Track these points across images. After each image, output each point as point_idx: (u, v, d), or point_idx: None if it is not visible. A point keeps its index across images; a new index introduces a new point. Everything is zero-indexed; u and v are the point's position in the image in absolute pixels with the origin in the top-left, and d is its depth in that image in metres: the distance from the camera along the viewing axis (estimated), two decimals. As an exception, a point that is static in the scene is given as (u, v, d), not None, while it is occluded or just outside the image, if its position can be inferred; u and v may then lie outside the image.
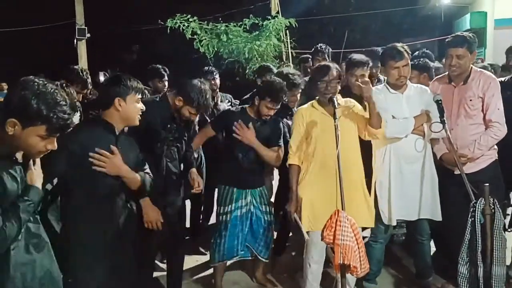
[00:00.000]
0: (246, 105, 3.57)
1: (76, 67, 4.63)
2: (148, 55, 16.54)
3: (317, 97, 3.26)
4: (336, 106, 2.93)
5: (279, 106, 3.39)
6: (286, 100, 3.64)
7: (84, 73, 4.41)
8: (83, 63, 12.98)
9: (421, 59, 4.06)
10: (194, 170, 3.30)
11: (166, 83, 4.71)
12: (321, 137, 3.13)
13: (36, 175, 1.87)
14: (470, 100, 3.21)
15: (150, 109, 2.70)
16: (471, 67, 3.29)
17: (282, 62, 8.35)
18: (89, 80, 4.36)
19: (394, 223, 3.28)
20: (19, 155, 1.82)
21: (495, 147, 3.29)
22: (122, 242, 2.49)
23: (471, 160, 3.20)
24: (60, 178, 2.30)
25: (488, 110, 3.19)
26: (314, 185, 3.17)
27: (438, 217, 3.29)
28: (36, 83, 1.72)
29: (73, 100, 1.88)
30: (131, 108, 2.47)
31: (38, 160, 1.91)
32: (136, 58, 19.37)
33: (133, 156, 2.57)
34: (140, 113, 2.52)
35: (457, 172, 3.05)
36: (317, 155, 3.16)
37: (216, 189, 3.62)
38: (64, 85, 3.83)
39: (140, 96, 2.51)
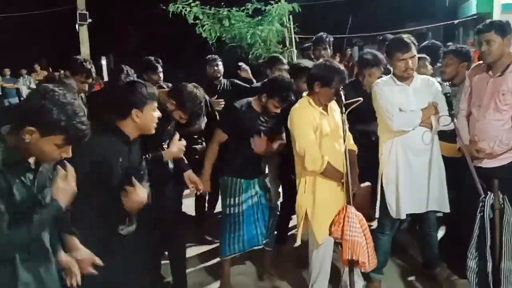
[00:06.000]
0: (251, 99, 3.49)
1: (79, 57, 4.60)
2: (149, 39, 16.40)
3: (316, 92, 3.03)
4: (343, 100, 2.89)
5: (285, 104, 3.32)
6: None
7: (88, 62, 4.39)
8: (85, 48, 12.88)
9: (464, 46, 3.74)
10: (189, 172, 3.20)
11: (161, 75, 4.57)
12: (325, 136, 3.01)
13: (60, 190, 1.80)
14: (503, 94, 2.99)
15: None
16: None
17: (285, 48, 8.25)
18: (93, 70, 4.33)
19: (404, 217, 3.25)
20: (31, 161, 1.79)
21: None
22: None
23: (489, 156, 3.06)
24: None
25: None
26: (323, 188, 3.07)
27: (446, 209, 3.27)
28: (56, 93, 1.70)
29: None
30: (148, 117, 2.42)
31: (70, 174, 1.84)
32: (138, 43, 19.22)
33: None
34: (157, 121, 2.46)
35: (477, 164, 2.99)
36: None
37: (220, 180, 3.54)
38: (66, 75, 3.81)
39: (156, 104, 2.45)
